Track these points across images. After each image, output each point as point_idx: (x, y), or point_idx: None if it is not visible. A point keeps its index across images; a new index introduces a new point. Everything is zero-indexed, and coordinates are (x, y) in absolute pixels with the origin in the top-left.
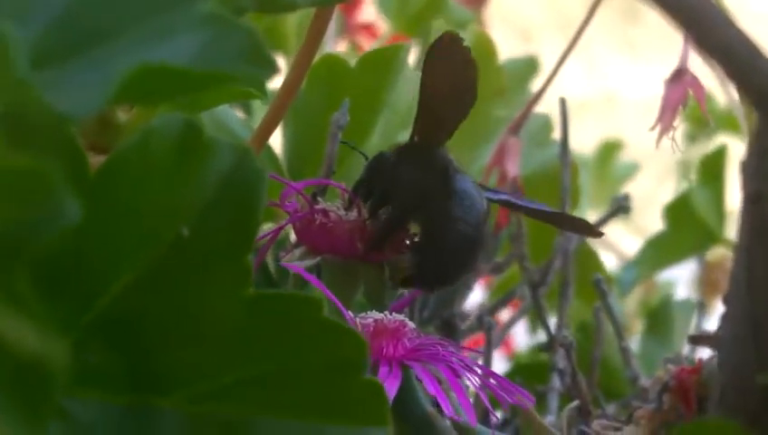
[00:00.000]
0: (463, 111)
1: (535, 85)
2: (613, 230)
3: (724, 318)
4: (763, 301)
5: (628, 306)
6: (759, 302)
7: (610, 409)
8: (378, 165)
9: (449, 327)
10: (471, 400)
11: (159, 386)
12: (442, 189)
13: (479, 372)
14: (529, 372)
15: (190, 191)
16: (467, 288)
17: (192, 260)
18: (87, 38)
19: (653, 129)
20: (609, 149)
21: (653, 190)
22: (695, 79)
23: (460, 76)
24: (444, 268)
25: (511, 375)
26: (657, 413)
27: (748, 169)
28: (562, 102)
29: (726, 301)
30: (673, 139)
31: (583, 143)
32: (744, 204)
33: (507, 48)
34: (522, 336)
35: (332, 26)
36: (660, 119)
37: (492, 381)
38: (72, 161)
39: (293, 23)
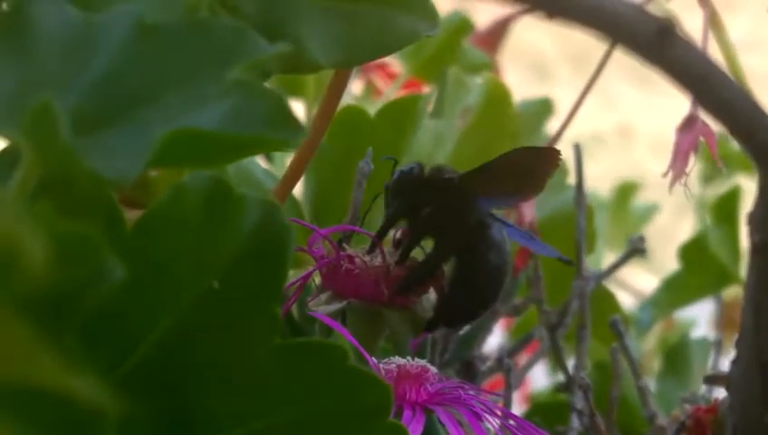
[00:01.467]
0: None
1: (551, 125)
2: (630, 268)
3: (735, 361)
4: None
5: (647, 345)
6: (766, 347)
7: None
8: (414, 200)
9: (469, 369)
10: None
11: (194, 432)
12: (481, 239)
13: (500, 414)
14: (547, 412)
15: (220, 245)
16: (487, 331)
17: (223, 311)
18: (123, 105)
19: (665, 175)
20: (627, 191)
21: (671, 227)
22: (705, 126)
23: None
24: (471, 309)
25: (529, 416)
26: None
27: (754, 220)
28: (577, 147)
29: (737, 345)
30: (685, 185)
31: (598, 177)
32: (751, 254)
33: (522, 83)
34: (537, 377)
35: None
36: (672, 166)
37: (512, 423)
38: (111, 221)
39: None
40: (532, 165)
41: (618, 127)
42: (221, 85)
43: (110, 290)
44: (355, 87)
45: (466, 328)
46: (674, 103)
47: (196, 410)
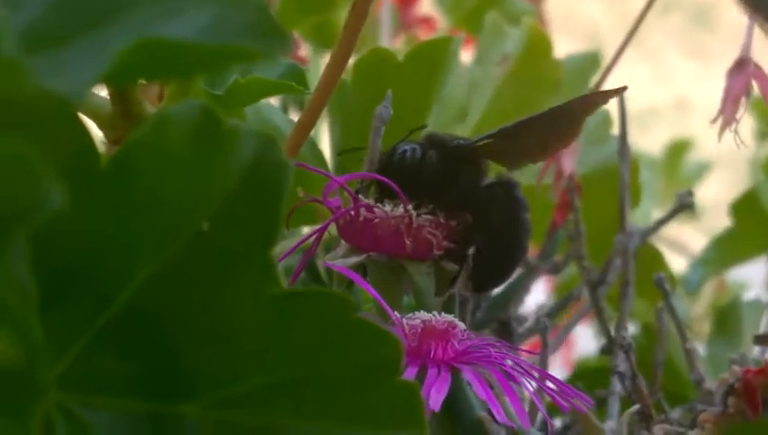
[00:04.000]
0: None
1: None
2: (686, 232)
3: None
4: None
5: (699, 308)
6: None
7: (675, 413)
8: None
9: (505, 330)
10: (527, 404)
11: (180, 392)
12: (509, 199)
13: (535, 374)
14: (592, 376)
15: (210, 183)
16: (524, 289)
17: (213, 256)
18: (88, 19)
19: (714, 121)
20: (679, 149)
21: (726, 194)
22: (758, 69)
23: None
24: (500, 272)
25: (572, 380)
26: (722, 417)
27: None
28: (621, 97)
29: None
30: (736, 132)
31: (654, 148)
32: None
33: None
34: (586, 343)
35: (389, 21)
36: (722, 111)
37: (548, 384)
38: (82, 153)
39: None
40: (561, 124)
41: (674, 100)
42: None
43: (79, 228)
44: (397, 42)
45: (499, 288)
46: None
47: (184, 367)
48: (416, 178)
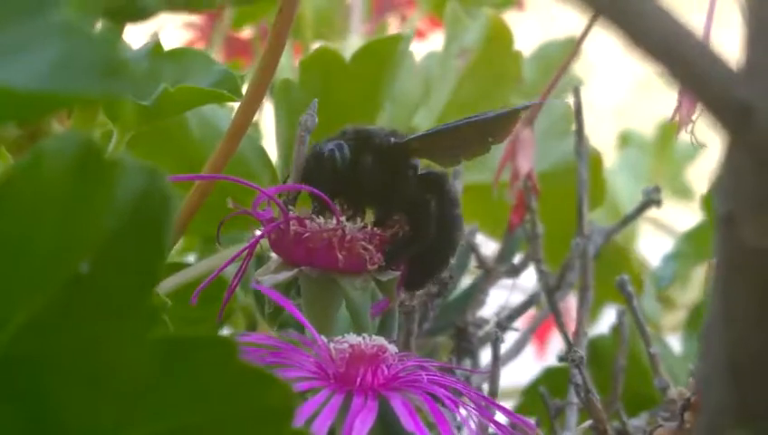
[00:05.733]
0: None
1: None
2: (676, 213)
3: (703, 356)
4: (742, 339)
5: (691, 294)
6: (738, 340)
7: (640, 420)
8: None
9: (463, 336)
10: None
11: None
12: (441, 197)
13: (473, 398)
14: (557, 379)
15: (89, 221)
16: (482, 293)
17: (93, 300)
18: None
19: (671, 121)
20: (670, 130)
21: None
22: None
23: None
24: (432, 271)
25: (535, 384)
26: (678, 432)
27: (721, 188)
28: (576, 90)
29: (704, 337)
30: (692, 133)
31: (648, 122)
32: (717, 228)
33: (567, 30)
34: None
35: (360, 7)
36: (678, 110)
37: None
38: None
39: (310, 12)
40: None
41: None
42: (45, 30)
43: None
44: (373, 28)
45: (455, 293)
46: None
47: (63, 417)
48: (349, 180)
